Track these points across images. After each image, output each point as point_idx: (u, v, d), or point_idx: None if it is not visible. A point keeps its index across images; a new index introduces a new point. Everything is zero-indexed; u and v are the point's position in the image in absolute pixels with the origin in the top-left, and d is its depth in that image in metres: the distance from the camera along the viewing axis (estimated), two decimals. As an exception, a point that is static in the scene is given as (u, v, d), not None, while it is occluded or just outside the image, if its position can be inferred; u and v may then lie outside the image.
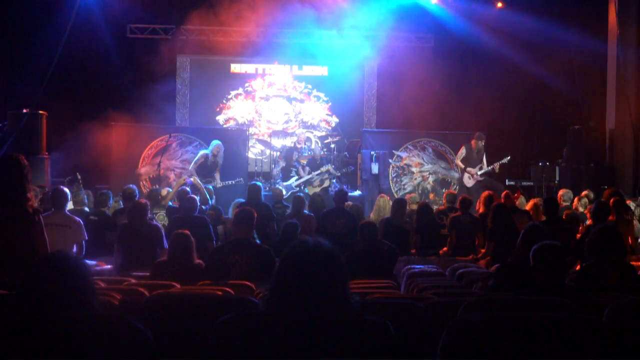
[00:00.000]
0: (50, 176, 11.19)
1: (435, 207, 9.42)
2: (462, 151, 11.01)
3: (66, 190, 6.64)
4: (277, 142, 13.75)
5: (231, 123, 14.15)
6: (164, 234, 6.27)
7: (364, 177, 11.96)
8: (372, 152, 11.85)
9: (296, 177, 11.56)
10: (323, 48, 14.33)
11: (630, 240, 6.73)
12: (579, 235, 6.82)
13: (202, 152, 10.45)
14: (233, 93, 14.34)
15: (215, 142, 10.42)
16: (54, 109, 11.91)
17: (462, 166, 10.90)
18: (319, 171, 11.39)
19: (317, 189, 11.13)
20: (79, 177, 10.37)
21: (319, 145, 13.49)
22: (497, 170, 10.80)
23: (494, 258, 6.60)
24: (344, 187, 11.27)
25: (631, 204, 7.88)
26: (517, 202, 8.87)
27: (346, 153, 12.91)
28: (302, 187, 11.39)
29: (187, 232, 5.15)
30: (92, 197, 8.50)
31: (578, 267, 4.37)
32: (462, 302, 3.08)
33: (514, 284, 3.91)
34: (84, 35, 12.71)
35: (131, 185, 8.06)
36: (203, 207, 8.05)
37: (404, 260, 6.78)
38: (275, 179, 12.35)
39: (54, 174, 11.41)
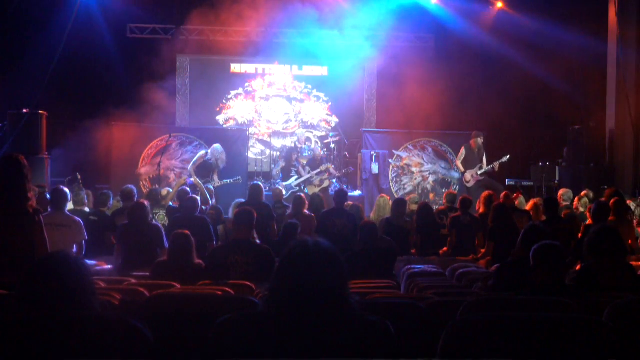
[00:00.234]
0: (50, 176, 11.19)
1: (435, 207, 9.42)
2: (462, 152, 11.02)
3: (66, 190, 6.64)
4: (277, 142, 13.74)
5: (231, 123, 14.15)
6: (164, 234, 6.27)
7: (364, 177, 11.96)
8: (372, 152, 11.86)
9: (296, 177, 11.56)
10: (323, 48, 14.33)
11: (630, 241, 6.72)
12: (579, 235, 6.81)
13: (201, 152, 10.44)
14: (233, 93, 14.34)
15: (217, 148, 10.32)
16: (54, 109, 11.91)
17: (463, 169, 10.92)
18: (318, 170, 11.39)
19: (317, 189, 11.14)
20: (79, 177, 10.37)
21: (319, 145, 13.49)
22: (497, 169, 10.81)
23: (494, 258, 6.60)
24: (344, 187, 11.27)
25: (631, 204, 7.88)
26: (517, 202, 8.87)
27: (346, 153, 12.92)
28: (302, 187, 11.39)
29: (187, 232, 5.15)
30: (92, 197, 8.50)
31: (578, 267, 4.36)
32: (462, 302, 3.07)
33: (514, 284, 3.91)
34: (84, 35, 12.71)
35: (130, 186, 8.06)
36: (203, 207, 8.05)
37: (404, 260, 6.78)
38: (275, 179, 12.36)
39: (54, 174, 11.41)
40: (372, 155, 11.82)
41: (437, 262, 6.95)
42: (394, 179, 12.26)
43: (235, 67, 14.46)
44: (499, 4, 13.72)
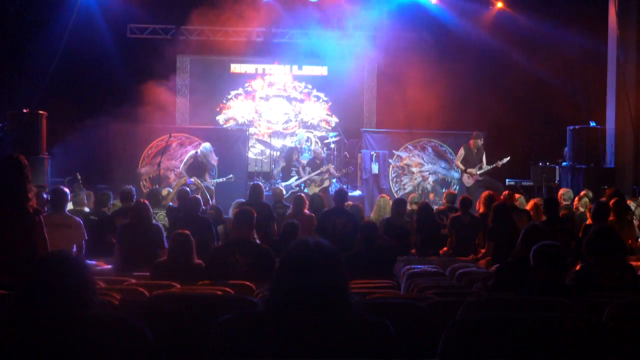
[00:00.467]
0: (50, 176, 11.19)
1: (435, 207, 9.42)
2: (461, 152, 11.02)
3: (66, 190, 6.64)
4: (277, 142, 13.75)
5: (231, 123, 14.15)
6: (164, 234, 6.27)
7: (364, 177, 11.96)
8: (372, 152, 11.86)
9: (296, 177, 11.57)
10: (323, 48, 14.33)
11: (630, 241, 6.72)
12: (579, 235, 6.82)
13: (192, 152, 10.49)
14: (233, 93, 14.34)
15: (206, 147, 10.36)
16: (54, 109, 11.90)
17: (463, 168, 10.92)
18: (318, 171, 11.39)
19: (317, 189, 11.14)
20: (79, 177, 10.37)
21: (319, 145, 13.50)
22: (499, 166, 10.81)
23: (494, 258, 6.60)
24: (344, 186, 11.28)
25: (631, 204, 7.87)
26: (517, 202, 8.87)
27: (346, 153, 12.92)
28: (302, 187, 11.39)
29: (187, 232, 5.15)
30: (93, 198, 8.49)
31: (578, 267, 4.36)
32: (462, 302, 3.07)
33: (514, 284, 3.91)
34: (84, 36, 12.70)
35: (129, 186, 8.06)
36: (203, 207, 8.05)
37: (404, 260, 6.77)
38: (275, 179, 12.36)
39: (54, 174, 11.41)
40: (372, 155, 11.82)
41: (437, 262, 6.94)
42: (394, 179, 12.26)
43: (235, 67, 14.46)
44: (499, 4, 13.71)
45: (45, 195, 7.07)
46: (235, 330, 2.06)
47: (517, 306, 3.15)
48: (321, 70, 14.59)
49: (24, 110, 11.21)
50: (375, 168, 11.83)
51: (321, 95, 14.51)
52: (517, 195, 9.28)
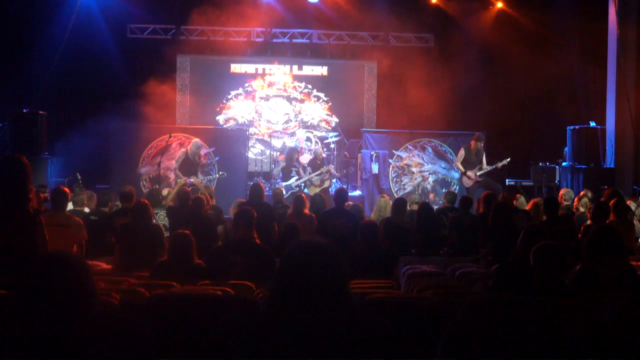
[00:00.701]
0: (50, 176, 11.19)
1: (435, 207, 9.41)
2: (462, 153, 11.01)
3: (66, 190, 6.64)
4: (277, 142, 13.75)
5: (231, 123, 14.15)
6: (164, 233, 6.27)
7: (364, 177, 11.96)
8: (372, 152, 11.86)
9: (296, 177, 11.56)
10: (323, 48, 14.34)
11: (630, 241, 6.72)
12: (579, 235, 6.81)
13: (182, 151, 10.53)
14: (233, 93, 14.34)
15: (194, 143, 10.47)
16: (54, 109, 11.91)
17: (463, 170, 10.91)
18: (319, 171, 11.39)
19: (317, 189, 11.14)
20: (79, 177, 10.37)
21: (319, 145, 13.50)
22: (499, 167, 10.81)
23: (494, 258, 6.59)
24: (344, 186, 11.28)
25: (631, 204, 7.87)
26: (516, 202, 8.87)
27: (346, 153, 12.92)
28: (302, 187, 11.39)
29: (187, 231, 5.14)
30: (95, 199, 8.46)
31: (578, 267, 4.36)
32: (462, 302, 3.07)
33: (514, 284, 3.91)
34: (85, 36, 12.71)
35: (129, 186, 8.05)
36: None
37: (404, 260, 6.77)
38: (275, 179, 12.36)
39: (54, 174, 11.42)
40: (372, 155, 11.82)
41: (437, 262, 6.94)
42: (394, 179, 12.26)
43: (235, 67, 14.46)
44: (499, 4, 13.72)
45: (45, 196, 7.07)
46: (235, 330, 2.06)
47: (517, 306, 3.14)
48: (321, 70, 14.59)
49: (24, 110, 11.21)
50: (375, 168, 11.83)
51: (321, 95, 14.51)
52: (517, 195, 9.28)
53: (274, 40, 14.29)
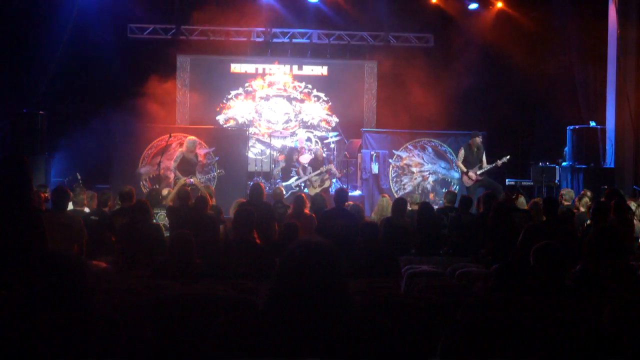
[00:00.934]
0: (50, 176, 11.20)
1: (435, 207, 9.41)
2: (462, 152, 11.02)
3: (67, 190, 6.64)
4: (277, 142, 13.75)
5: (231, 123, 14.15)
6: (164, 233, 6.28)
7: (364, 177, 11.97)
8: (372, 152, 11.86)
9: (296, 177, 11.56)
10: (323, 48, 14.34)
11: (630, 241, 6.72)
12: (579, 235, 6.82)
13: (180, 149, 10.53)
14: (233, 93, 14.34)
15: (188, 140, 10.46)
16: (54, 109, 11.91)
17: (465, 170, 10.91)
18: (319, 171, 11.39)
19: (318, 189, 11.14)
20: (79, 177, 10.37)
21: (319, 145, 13.50)
22: (499, 165, 10.82)
23: (494, 258, 6.59)
24: (344, 186, 11.28)
25: (631, 204, 7.88)
26: (517, 202, 8.87)
27: (346, 153, 12.93)
28: (301, 187, 11.39)
29: (187, 231, 5.14)
30: (96, 199, 8.47)
31: (578, 267, 4.36)
32: (462, 302, 3.07)
33: (514, 284, 3.91)
34: (85, 36, 12.71)
35: (129, 186, 8.06)
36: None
37: (404, 260, 6.77)
38: (275, 179, 12.36)
39: (54, 174, 11.42)
40: (372, 155, 11.83)
41: (437, 262, 6.94)
42: (394, 179, 12.26)
43: (235, 67, 14.46)
44: (499, 4, 13.72)
45: (46, 195, 7.08)
46: (235, 330, 2.06)
47: (517, 306, 3.14)
48: (321, 70, 14.59)
49: (24, 110, 11.21)
50: (375, 168, 11.83)
51: (321, 95, 14.51)
52: (517, 196, 9.28)
53: (274, 40, 14.29)
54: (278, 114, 14.45)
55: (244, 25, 13.97)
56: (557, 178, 12.13)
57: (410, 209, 8.60)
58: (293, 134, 14.06)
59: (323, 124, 14.43)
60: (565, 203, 8.81)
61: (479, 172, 10.82)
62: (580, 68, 12.59)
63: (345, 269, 2.11)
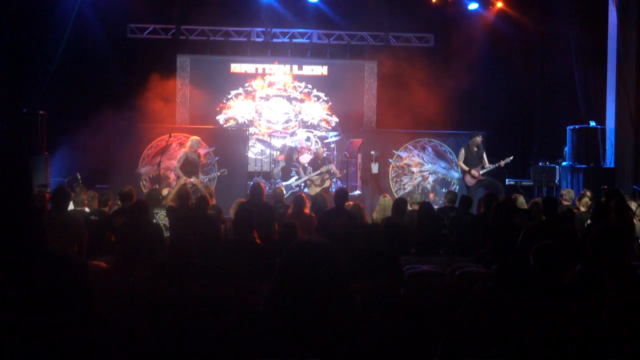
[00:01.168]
0: (50, 176, 11.20)
1: (435, 207, 9.41)
2: (462, 153, 11.03)
3: (68, 190, 6.64)
4: (277, 142, 13.75)
5: (231, 123, 14.15)
6: (164, 233, 6.28)
7: (364, 177, 11.96)
8: (372, 152, 11.85)
9: (296, 177, 11.56)
10: (323, 48, 14.34)
11: (631, 241, 6.72)
12: (579, 235, 6.81)
13: (183, 150, 10.51)
14: (233, 93, 14.35)
15: (193, 139, 10.42)
16: (54, 109, 11.91)
17: (467, 169, 10.90)
18: (319, 171, 11.39)
19: (318, 189, 11.14)
20: (79, 177, 10.37)
21: (319, 144, 13.51)
22: (502, 166, 10.83)
23: (494, 258, 6.59)
24: (344, 186, 11.28)
25: (632, 204, 7.87)
26: (517, 202, 8.87)
27: (346, 153, 12.93)
28: (301, 187, 11.39)
29: (187, 231, 5.14)
30: (97, 199, 8.47)
31: (578, 267, 4.36)
32: (462, 302, 3.07)
33: (514, 284, 3.91)
34: (85, 36, 12.72)
35: (129, 186, 8.06)
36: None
37: (404, 260, 6.77)
38: (275, 179, 12.36)
39: (54, 174, 11.42)
40: (372, 155, 11.82)
41: (437, 262, 6.94)
42: (394, 179, 12.26)
43: (235, 67, 14.46)
44: (499, 4, 13.72)
45: (49, 196, 7.07)
46: (235, 330, 2.06)
47: (517, 306, 3.14)
48: (321, 70, 14.59)
49: (24, 110, 11.21)
50: (375, 168, 11.82)
51: (321, 95, 14.51)
52: (517, 196, 9.28)
53: (274, 40, 14.29)
54: (278, 114, 14.45)
55: (244, 25, 13.97)
56: (557, 178, 12.13)
57: (410, 209, 8.59)
58: (293, 134, 14.06)
59: (323, 124, 14.43)
60: (565, 203, 8.80)
61: (481, 172, 10.83)
62: (580, 68, 12.59)
63: (345, 268, 2.11)
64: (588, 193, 8.84)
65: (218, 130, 13.07)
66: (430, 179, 12.35)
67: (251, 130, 13.71)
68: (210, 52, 14.17)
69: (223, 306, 3.07)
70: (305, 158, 11.89)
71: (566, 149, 12.33)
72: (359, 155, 12.33)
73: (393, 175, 12.28)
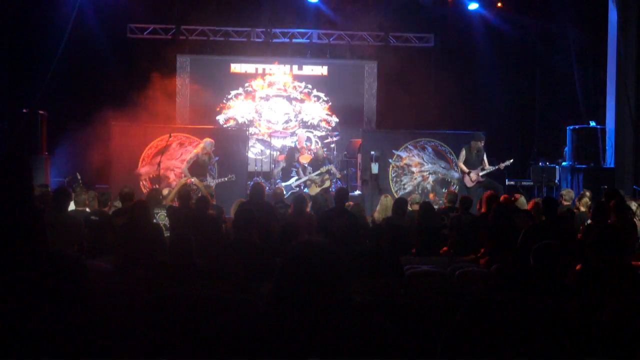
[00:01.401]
0: (50, 176, 11.20)
1: (435, 207, 9.40)
2: (463, 153, 11.02)
3: (68, 190, 6.64)
4: (277, 142, 13.75)
5: (231, 123, 14.16)
6: (164, 233, 6.28)
7: (364, 177, 11.96)
8: (372, 152, 11.85)
9: (296, 177, 11.56)
10: (323, 48, 14.35)
11: (631, 241, 6.71)
12: (579, 235, 6.81)
13: (195, 151, 10.46)
14: (233, 93, 14.35)
15: (207, 142, 10.32)
16: (54, 109, 11.91)
17: (466, 170, 10.90)
18: (319, 171, 11.39)
19: (318, 189, 11.14)
20: (79, 177, 10.37)
21: (319, 144, 13.51)
22: (502, 169, 10.82)
23: (493, 258, 6.59)
24: (344, 185, 11.28)
25: (632, 204, 7.87)
26: (517, 202, 8.86)
27: (346, 153, 12.93)
28: (301, 187, 11.39)
29: (187, 231, 5.14)
30: (96, 199, 8.47)
31: (578, 267, 4.36)
32: (462, 302, 3.07)
33: (514, 284, 3.91)
34: (84, 36, 12.72)
35: (129, 186, 8.06)
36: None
37: (404, 260, 6.76)
38: (275, 179, 12.36)
39: (54, 174, 11.42)
40: (372, 155, 11.82)
41: (437, 262, 6.93)
42: (394, 179, 12.26)
43: (235, 67, 14.47)
44: (499, 4, 13.72)
45: (49, 195, 7.08)
46: (235, 330, 2.06)
47: (517, 306, 3.14)
48: (321, 70, 14.60)
49: (24, 110, 11.21)
50: (375, 168, 11.82)
51: (321, 95, 14.51)
52: (517, 196, 9.28)
53: (274, 40, 14.30)
54: (278, 114, 14.46)
55: (244, 25, 13.97)
56: (557, 178, 12.13)
57: (410, 209, 8.59)
58: (293, 134, 14.06)
59: (323, 124, 14.44)
60: (565, 203, 8.80)
61: (481, 174, 10.82)
62: (580, 68, 12.59)
63: (345, 268, 2.11)
64: (588, 193, 8.84)
65: (218, 130, 13.06)
66: (430, 179, 12.35)
67: (251, 130, 13.72)
68: (210, 52, 14.18)
69: (223, 306, 3.07)
70: (305, 158, 11.89)
71: (566, 149, 12.34)
72: (359, 155, 12.32)
73: (393, 175, 12.27)
